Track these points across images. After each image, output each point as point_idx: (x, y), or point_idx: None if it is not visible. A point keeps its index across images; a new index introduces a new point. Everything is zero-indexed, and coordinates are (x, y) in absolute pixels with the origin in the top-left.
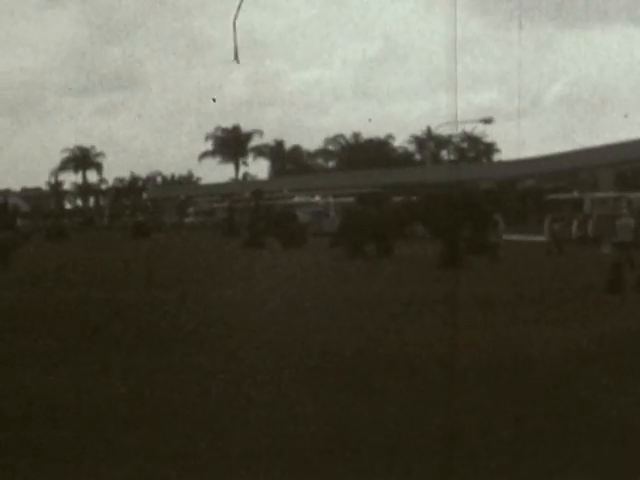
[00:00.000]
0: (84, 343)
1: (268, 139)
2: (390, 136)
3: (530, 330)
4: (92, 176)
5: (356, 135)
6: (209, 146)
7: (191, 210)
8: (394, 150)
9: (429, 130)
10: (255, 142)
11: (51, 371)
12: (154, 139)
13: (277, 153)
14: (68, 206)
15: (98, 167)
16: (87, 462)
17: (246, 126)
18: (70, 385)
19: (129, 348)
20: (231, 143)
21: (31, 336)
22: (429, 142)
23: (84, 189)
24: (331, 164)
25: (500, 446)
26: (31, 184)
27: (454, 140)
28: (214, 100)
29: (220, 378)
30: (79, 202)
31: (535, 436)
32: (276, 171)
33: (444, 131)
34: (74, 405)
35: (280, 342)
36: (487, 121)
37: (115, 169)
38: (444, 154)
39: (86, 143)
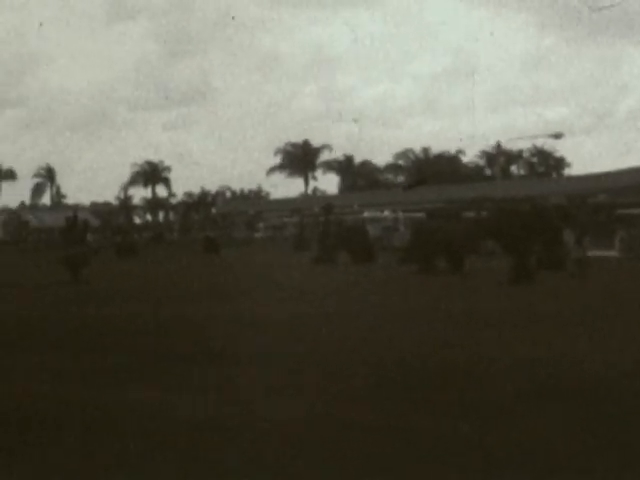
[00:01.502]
0: (162, 359)
1: (338, 154)
2: (460, 151)
3: (601, 347)
4: (161, 191)
5: (425, 150)
6: (278, 160)
7: (261, 225)
8: (464, 165)
9: (499, 145)
10: (325, 157)
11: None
12: (223, 153)
13: (347, 168)
14: (137, 221)
15: (166, 182)
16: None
17: (316, 141)
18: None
19: (203, 363)
20: (300, 158)
21: (107, 352)
22: (499, 157)
23: (153, 204)
24: (400, 179)
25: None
26: (101, 199)
27: (524, 155)
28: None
29: (287, 393)
30: (148, 217)
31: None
32: (346, 186)
33: (514, 146)
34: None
35: (364, 355)
36: (557, 136)
37: (184, 183)
38: (514, 169)
39: (155, 158)
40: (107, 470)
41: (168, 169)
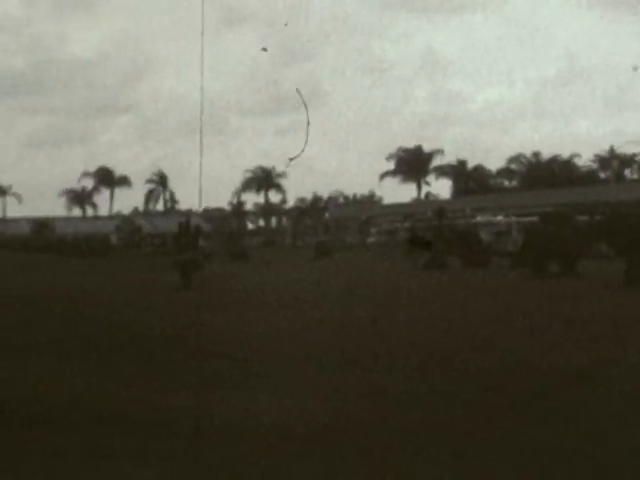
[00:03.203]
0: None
1: (450, 158)
2: (575, 155)
3: None
4: (274, 196)
5: (536, 154)
6: (391, 166)
7: (373, 230)
8: (578, 169)
9: (612, 149)
10: (437, 162)
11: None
12: (335, 158)
13: (459, 172)
14: (250, 226)
15: (279, 187)
16: None
17: (428, 145)
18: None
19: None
20: (412, 163)
21: (221, 359)
22: (613, 161)
23: (266, 209)
24: (513, 183)
25: None
26: (213, 204)
27: (638, 159)
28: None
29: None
30: (261, 222)
31: None
32: (458, 190)
33: (628, 150)
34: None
35: (486, 361)
36: None
37: (297, 189)
38: (628, 173)
39: (267, 163)
40: None
41: (281, 175)
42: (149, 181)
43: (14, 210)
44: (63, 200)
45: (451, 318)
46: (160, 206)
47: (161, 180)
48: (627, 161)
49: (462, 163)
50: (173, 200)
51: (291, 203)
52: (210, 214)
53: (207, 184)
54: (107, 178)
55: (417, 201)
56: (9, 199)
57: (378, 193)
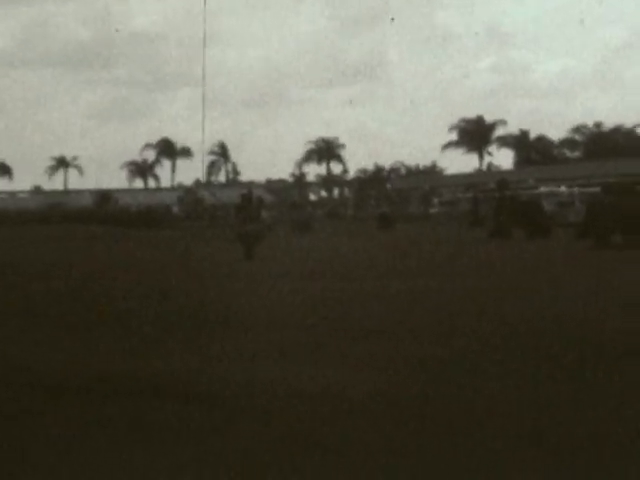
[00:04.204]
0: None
1: (513, 129)
2: (639, 124)
3: None
4: (335, 167)
5: (597, 124)
6: (453, 136)
7: (435, 201)
8: None
9: None
10: (499, 132)
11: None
12: (397, 129)
13: (522, 143)
14: (312, 197)
15: (339, 158)
16: None
17: (491, 116)
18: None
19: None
20: (474, 133)
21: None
22: None
23: (328, 180)
24: (576, 154)
25: None
26: (275, 176)
27: None
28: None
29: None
30: (323, 193)
31: None
32: (521, 161)
33: None
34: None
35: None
36: None
37: (358, 159)
38: None
39: (329, 134)
40: None
41: (342, 146)
42: (211, 152)
43: (74, 182)
44: (124, 172)
45: (525, 287)
46: (222, 177)
47: (222, 151)
48: None
49: (524, 133)
50: (235, 171)
51: (352, 174)
52: (273, 185)
53: (269, 155)
54: (169, 149)
55: (479, 172)
56: (71, 171)
57: (440, 164)
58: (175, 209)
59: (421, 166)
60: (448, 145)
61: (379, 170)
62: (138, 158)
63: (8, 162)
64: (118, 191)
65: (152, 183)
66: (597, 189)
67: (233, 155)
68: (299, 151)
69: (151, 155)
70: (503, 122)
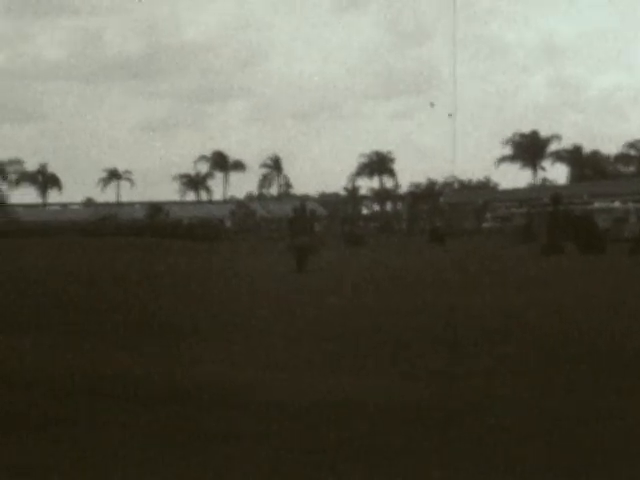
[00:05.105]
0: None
1: (567, 144)
2: None
3: None
4: (387, 181)
5: None
6: (506, 151)
7: (488, 215)
8: None
9: None
10: (554, 147)
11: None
12: (449, 144)
13: (576, 158)
14: (365, 211)
15: (391, 172)
16: None
17: (545, 131)
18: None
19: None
20: (529, 148)
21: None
22: None
23: (381, 194)
24: (631, 169)
25: None
26: (328, 189)
27: None
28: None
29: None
30: (376, 207)
31: None
32: (575, 176)
33: None
34: None
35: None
36: None
37: (411, 173)
38: None
39: (382, 147)
40: None
41: (395, 160)
42: (263, 165)
43: (125, 194)
44: (175, 184)
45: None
46: (274, 190)
47: (275, 164)
48: None
49: (578, 148)
50: (287, 184)
51: (404, 188)
52: (326, 199)
53: (322, 168)
54: (221, 162)
55: (533, 186)
56: (122, 183)
57: (493, 178)
58: (228, 222)
59: (475, 180)
60: (502, 159)
61: (432, 184)
62: (191, 171)
63: (59, 174)
64: (169, 203)
65: (204, 196)
66: None
67: (285, 168)
68: (352, 164)
69: (204, 168)
70: (558, 137)
